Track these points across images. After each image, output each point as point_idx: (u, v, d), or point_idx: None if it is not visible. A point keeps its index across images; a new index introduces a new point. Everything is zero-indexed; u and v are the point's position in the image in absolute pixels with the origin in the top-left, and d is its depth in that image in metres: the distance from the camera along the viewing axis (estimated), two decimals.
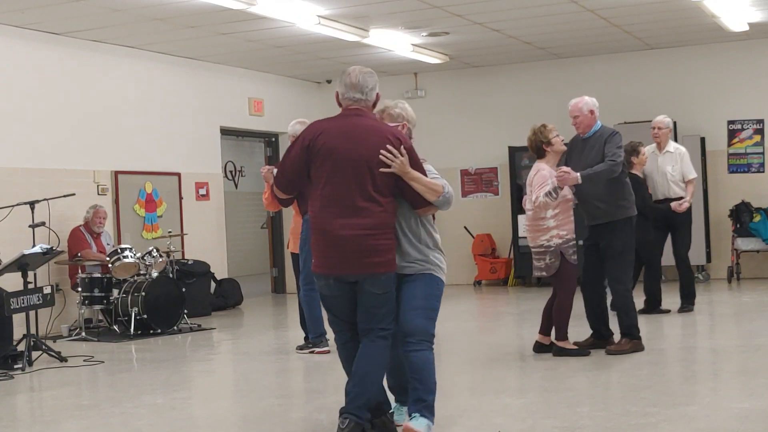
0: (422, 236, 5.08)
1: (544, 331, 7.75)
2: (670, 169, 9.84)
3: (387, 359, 5.05)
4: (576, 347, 7.59)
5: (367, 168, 4.83)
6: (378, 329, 4.97)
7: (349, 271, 4.86)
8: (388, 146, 4.82)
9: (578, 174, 7.32)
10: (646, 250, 9.86)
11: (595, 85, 13.96)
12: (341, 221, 4.83)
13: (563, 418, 5.46)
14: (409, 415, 5.00)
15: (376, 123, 4.99)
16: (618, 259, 7.55)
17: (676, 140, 13.30)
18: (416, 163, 4.93)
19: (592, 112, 7.63)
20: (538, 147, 7.61)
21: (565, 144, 7.79)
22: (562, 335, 7.56)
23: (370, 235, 4.82)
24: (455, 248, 14.88)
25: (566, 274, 7.49)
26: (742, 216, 13.10)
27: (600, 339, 7.77)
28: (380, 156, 4.81)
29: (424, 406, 5.00)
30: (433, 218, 5.32)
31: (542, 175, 7.44)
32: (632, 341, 7.56)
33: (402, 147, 4.86)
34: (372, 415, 5.05)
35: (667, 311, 9.95)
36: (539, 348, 7.75)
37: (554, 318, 7.58)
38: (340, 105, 5.05)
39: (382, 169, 4.82)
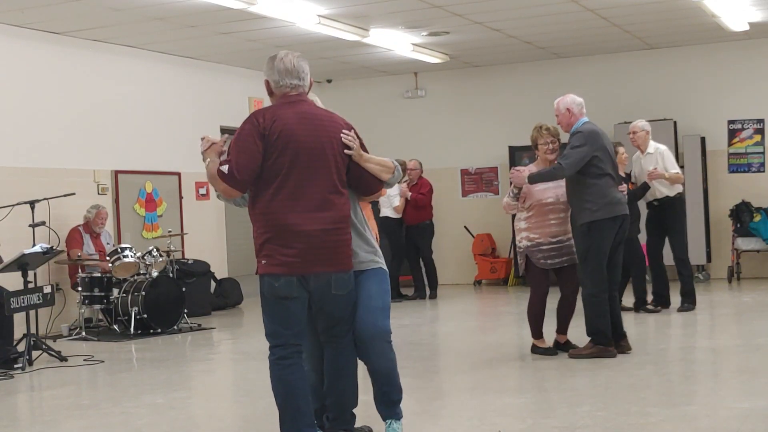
0: (366, 225, 4.83)
1: (560, 330, 7.72)
2: (651, 170, 9.90)
3: (354, 363, 4.83)
4: (546, 347, 7.62)
5: (333, 158, 4.57)
6: (342, 334, 4.74)
7: (320, 268, 4.50)
8: (344, 131, 4.63)
9: (527, 174, 7.31)
10: (627, 250, 9.97)
11: (595, 85, 13.97)
12: (307, 215, 4.48)
13: (563, 418, 5.45)
14: (384, 420, 4.89)
15: (326, 111, 4.72)
16: (582, 263, 7.31)
17: (676, 140, 13.36)
18: (364, 147, 4.76)
19: (568, 110, 7.44)
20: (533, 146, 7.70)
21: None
22: (532, 333, 7.71)
23: (337, 229, 4.55)
24: (455, 248, 14.90)
25: (531, 277, 7.63)
26: (742, 216, 13.10)
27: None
28: (342, 139, 4.60)
29: (396, 406, 4.89)
30: None
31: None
32: (596, 346, 7.32)
33: (352, 131, 4.68)
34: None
35: (656, 310, 9.99)
36: (556, 346, 7.72)
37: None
38: (271, 93, 4.66)
39: (346, 151, 4.60)
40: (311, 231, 4.47)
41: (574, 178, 7.27)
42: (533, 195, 7.46)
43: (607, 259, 7.37)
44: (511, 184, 7.51)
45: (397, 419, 4.86)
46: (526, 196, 7.49)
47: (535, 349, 7.69)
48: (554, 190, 7.45)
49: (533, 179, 7.32)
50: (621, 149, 9.88)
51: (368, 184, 4.76)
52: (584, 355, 7.32)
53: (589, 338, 7.43)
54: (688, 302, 10.03)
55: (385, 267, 4.87)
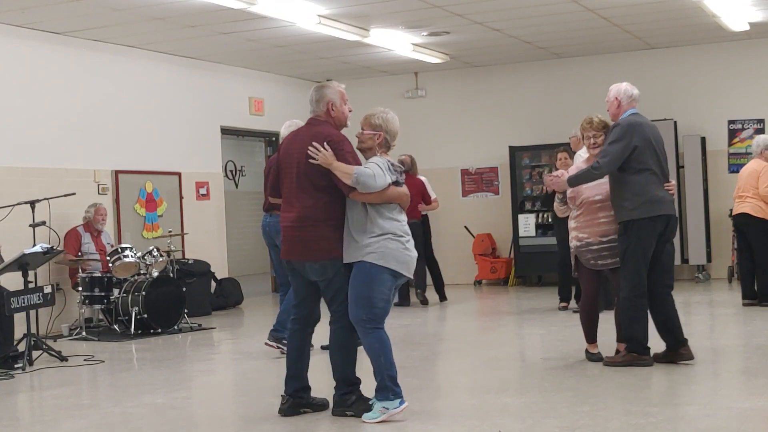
0: (367, 226, 5.48)
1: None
2: None
3: (342, 341, 5.62)
4: (597, 352, 7.21)
5: (299, 167, 5.61)
6: (331, 312, 5.66)
7: (288, 257, 5.68)
8: (314, 143, 5.50)
9: (566, 178, 6.98)
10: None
11: (595, 85, 13.94)
12: (283, 214, 5.75)
13: (563, 418, 5.46)
14: None
15: (310, 129, 5.66)
16: (622, 265, 6.90)
17: (676, 140, 13.39)
18: (342, 158, 5.49)
19: (617, 99, 7.00)
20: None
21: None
22: (585, 337, 7.28)
23: (299, 226, 5.58)
24: (455, 248, 14.90)
25: (582, 279, 7.21)
26: None
27: (671, 350, 7.02)
28: (308, 150, 5.52)
29: (378, 389, 5.41)
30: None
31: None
32: (630, 353, 6.91)
33: (325, 144, 5.49)
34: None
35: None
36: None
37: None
38: None
39: (311, 160, 5.51)
40: (284, 226, 5.71)
41: (613, 174, 6.89)
42: (582, 192, 7.06)
43: (654, 262, 6.89)
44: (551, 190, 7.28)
45: (378, 399, 5.41)
46: (575, 195, 7.11)
47: (587, 355, 7.25)
48: (603, 187, 7.00)
49: (572, 182, 6.96)
50: (561, 155, 10.20)
51: (342, 187, 5.50)
52: (618, 363, 6.92)
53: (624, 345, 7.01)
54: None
55: (368, 260, 5.42)
